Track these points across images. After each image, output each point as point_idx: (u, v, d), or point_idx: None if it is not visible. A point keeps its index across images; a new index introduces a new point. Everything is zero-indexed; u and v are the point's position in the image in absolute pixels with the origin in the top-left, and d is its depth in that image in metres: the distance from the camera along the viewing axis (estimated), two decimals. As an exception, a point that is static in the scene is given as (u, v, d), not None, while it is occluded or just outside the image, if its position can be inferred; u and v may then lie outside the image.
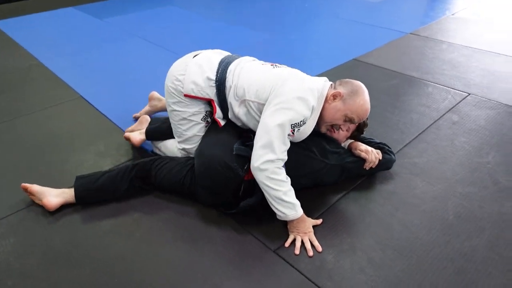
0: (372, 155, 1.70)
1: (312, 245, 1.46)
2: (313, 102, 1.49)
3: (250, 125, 1.62)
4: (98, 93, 2.59)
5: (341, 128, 1.62)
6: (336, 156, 1.68)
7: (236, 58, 1.68)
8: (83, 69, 2.99)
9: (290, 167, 1.52)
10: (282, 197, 1.43)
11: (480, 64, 3.00)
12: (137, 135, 1.97)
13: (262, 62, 1.70)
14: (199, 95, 1.62)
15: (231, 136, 1.62)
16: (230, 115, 1.66)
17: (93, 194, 1.62)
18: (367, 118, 1.75)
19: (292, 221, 1.48)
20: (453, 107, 2.40)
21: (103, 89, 2.66)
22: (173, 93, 1.66)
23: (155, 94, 2.22)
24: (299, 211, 1.47)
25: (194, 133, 1.69)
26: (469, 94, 2.55)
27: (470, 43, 3.40)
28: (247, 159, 1.51)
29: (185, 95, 1.62)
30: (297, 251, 1.43)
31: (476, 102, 2.45)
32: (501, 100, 2.48)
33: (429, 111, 2.36)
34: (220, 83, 1.60)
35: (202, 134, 1.71)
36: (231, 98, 1.60)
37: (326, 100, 1.54)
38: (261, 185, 1.45)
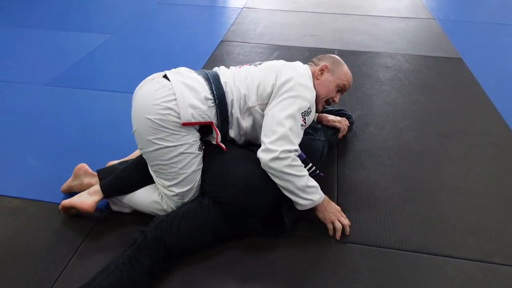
0: (343, 123, 1.81)
1: None
2: (313, 88, 1.45)
3: (253, 137, 1.47)
4: None
5: (334, 100, 1.65)
6: (322, 132, 1.72)
7: (215, 70, 1.46)
8: None
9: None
10: (307, 183, 1.34)
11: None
12: (86, 197, 1.43)
13: (236, 67, 1.52)
14: (200, 119, 1.32)
15: (243, 150, 1.43)
16: (233, 134, 1.43)
17: None
18: None
19: (318, 205, 1.38)
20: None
21: None
22: (161, 126, 1.28)
23: (85, 167, 1.56)
24: (322, 192, 1.39)
25: (193, 169, 1.36)
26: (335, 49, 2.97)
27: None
28: None
29: (184, 124, 1.29)
30: (347, 230, 1.42)
31: (347, 55, 2.89)
32: (358, 48, 3.00)
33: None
34: (220, 101, 1.35)
35: (201, 167, 1.39)
36: (236, 113, 1.38)
37: (315, 77, 1.52)
38: (281, 178, 1.31)
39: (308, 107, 1.39)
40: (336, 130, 1.80)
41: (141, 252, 1.22)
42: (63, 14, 3.61)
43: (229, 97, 1.37)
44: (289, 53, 2.90)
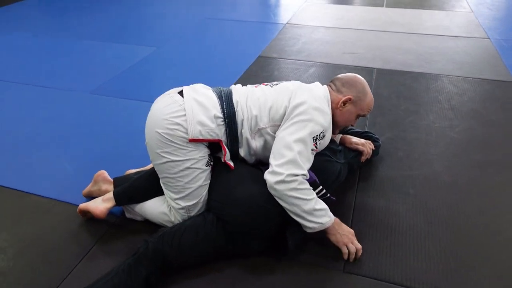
0: (367, 146, 1.74)
1: None
2: (329, 112, 1.41)
3: (264, 158, 1.44)
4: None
5: (352, 124, 1.60)
6: (341, 154, 1.66)
7: (228, 88, 1.46)
8: None
9: (320, 178, 1.43)
10: (315, 206, 1.30)
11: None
12: (100, 203, 1.51)
13: (253, 85, 1.52)
14: (208, 137, 1.34)
15: (251, 169, 1.42)
16: (243, 153, 1.43)
17: None
18: None
19: (328, 228, 1.34)
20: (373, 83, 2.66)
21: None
22: (169, 140, 1.32)
23: (105, 174, 1.65)
24: (332, 216, 1.35)
25: (199, 184, 1.38)
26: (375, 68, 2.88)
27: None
28: None
29: (191, 140, 1.32)
30: (359, 254, 1.36)
31: (385, 74, 2.79)
32: (398, 68, 2.88)
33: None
34: (230, 120, 1.36)
35: (208, 182, 1.41)
36: (246, 133, 1.38)
37: (336, 107, 1.48)
38: (286, 202, 1.29)
39: (321, 131, 1.36)
40: (359, 153, 1.74)
41: (140, 261, 1.25)
42: (117, 27, 3.89)
43: (239, 117, 1.37)
44: (324, 71, 2.86)
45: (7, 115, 2.35)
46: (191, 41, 3.50)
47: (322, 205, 1.33)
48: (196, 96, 1.37)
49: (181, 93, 1.40)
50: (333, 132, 1.55)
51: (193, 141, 1.32)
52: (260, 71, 2.87)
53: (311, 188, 1.33)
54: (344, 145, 1.75)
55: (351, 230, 1.39)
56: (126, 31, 3.78)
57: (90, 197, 1.62)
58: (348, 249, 1.35)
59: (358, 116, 1.54)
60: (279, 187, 1.28)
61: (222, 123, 1.36)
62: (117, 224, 1.55)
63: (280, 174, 1.27)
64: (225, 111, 1.36)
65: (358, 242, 1.38)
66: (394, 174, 1.80)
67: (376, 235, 1.49)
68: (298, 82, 1.50)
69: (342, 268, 1.36)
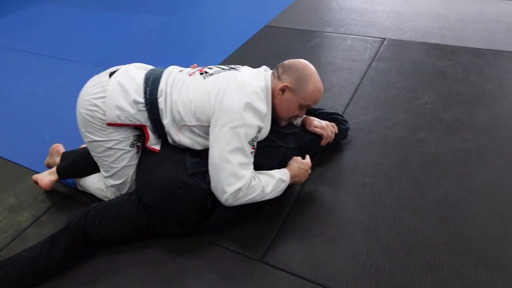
0: (328, 129, 1.60)
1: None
2: (264, 108, 1.28)
3: (199, 147, 1.37)
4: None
5: (299, 116, 1.48)
6: (294, 138, 1.55)
7: (162, 72, 1.39)
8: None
9: (258, 164, 1.36)
10: (266, 191, 1.31)
11: (385, 7, 3.07)
12: (46, 176, 1.60)
13: (189, 70, 1.44)
14: (127, 121, 1.32)
15: (176, 152, 1.38)
16: (170, 141, 1.39)
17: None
18: None
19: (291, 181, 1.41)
20: (376, 55, 2.41)
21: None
22: (90, 121, 1.33)
23: (59, 147, 1.72)
24: (286, 175, 1.37)
25: (124, 164, 1.39)
26: (385, 38, 2.59)
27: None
28: (206, 171, 1.31)
29: (109, 124, 1.31)
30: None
31: (394, 46, 2.50)
32: (414, 38, 2.56)
33: (356, 64, 2.34)
34: (152, 106, 1.32)
35: (135, 162, 1.42)
36: (168, 126, 1.34)
37: (274, 96, 1.37)
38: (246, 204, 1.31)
39: (256, 131, 1.27)
40: (318, 136, 1.61)
41: (62, 234, 1.32)
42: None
43: (161, 106, 1.32)
44: (328, 42, 2.64)
45: (8, 83, 2.55)
46: (201, 10, 3.45)
47: (271, 182, 1.32)
48: (122, 78, 1.34)
49: (114, 73, 1.39)
50: (279, 124, 1.45)
51: (111, 125, 1.32)
52: (260, 43, 2.74)
53: (253, 181, 1.28)
54: (304, 126, 1.64)
55: (300, 163, 1.44)
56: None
57: (50, 167, 1.73)
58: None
59: (301, 106, 1.41)
60: (228, 202, 1.27)
61: (144, 108, 1.33)
62: (70, 195, 1.64)
63: (225, 192, 1.24)
64: (147, 97, 1.32)
65: (289, 237, 1.35)
66: (357, 161, 1.65)
67: (311, 228, 1.39)
68: (232, 74, 1.34)
69: (260, 257, 1.31)
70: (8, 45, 3.13)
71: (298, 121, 1.66)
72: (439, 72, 2.17)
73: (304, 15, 3.07)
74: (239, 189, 1.24)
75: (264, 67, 1.45)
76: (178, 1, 3.76)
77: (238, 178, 1.24)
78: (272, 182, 1.32)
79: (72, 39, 3.15)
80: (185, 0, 3.74)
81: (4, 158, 1.89)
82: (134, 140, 1.39)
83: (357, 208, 1.44)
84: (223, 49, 2.67)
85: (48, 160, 1.72)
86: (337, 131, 1.65)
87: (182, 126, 1.33)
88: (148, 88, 1.33)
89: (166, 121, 1.33)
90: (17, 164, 1.84)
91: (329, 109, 1.77)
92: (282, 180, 1.36)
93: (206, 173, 1.31)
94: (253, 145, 1.29)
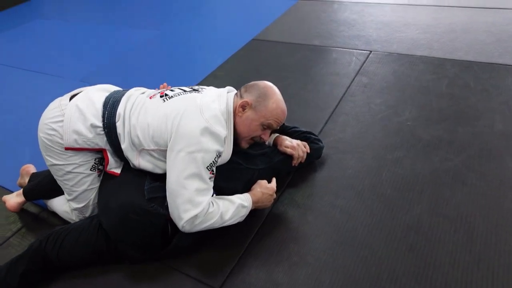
0: (299, 150, 1.56)
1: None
2: (223, 132, 1.26)
3: (159, 171, 1.34)
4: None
5: (262, 138, 1.44)
6: (263, 159, 1.52)
7: (123, 95, 1.37)
8: None
9: (222, 187, 1.33)
10: (225, 218, 1.27)
11: (374, 18, 3.02)
12: (13, 197, 1.60)
13: (151, 92, 1.41)
14: (86, 146, 1.31)
15: (136, 176, 1.35)
16: (131, 165, 1.36)
17: None
18: None
19: (253, 205, 1.36)
20: (360, 69, 2.36)
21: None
22: (49, 145, 1.32)
23: (29, 168, 1.73)
24: (247, 201, 1.33)
25: (84, 188, 1.37)
26: (371, 51, 2.54)
27: (358, -2, 3.42)
28: (165, 196, 1.28)
29: (66, 148, 1.30)
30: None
31: (380, 58, 2.45)
32: (400, 50, 2.50)
33: (340, 78, 2.29)
34: (110, 130, 1.30)
35: (96, 186, 1.40)
36: (126, 149, 1.31)
37: (235, 114, 1.34)
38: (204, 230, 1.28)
39: (214, 157, 1.24)
40: (289, 156, 1.57)
41: (21, 259, 1.30)
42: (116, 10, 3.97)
43: (119, 131, 1.30)
44: (313, 55, 2.60)
45: None
46: (189, 23, 3.45)
47: (231, 209, 1.28)
48: (81, 102, 1.33)
49: (75, 96, 1.38)
50: (239, 145, 1.41)
51: (69, 149, 1.30)
52: (245, 57, 2.72)
53: (211, 208, 1.25)
54: (276, 146, 1.60)
55: (264, 187, 1.40)
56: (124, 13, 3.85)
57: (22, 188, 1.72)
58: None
59: (263, 125, 1.37)
60: (185, 229, 1.24)
61: (102, 132, 1.31)
62: (40, 217, 1.63)
63: (181, 219, 1.21)
64: (105, 121, 1.30)
65: (253, 261, 1.32)
66: (330, 182, 1.60)
67: (274, 254, 1.34)
68: (192, 97, 1.31)
69: (219, 285, 1.27)
70: (2, 61, 3.16)
71: (270, 140, 1.63)
72: (423, 86, 2.12)
73: (293, 28, 3.05)
74: (196, 216, 1.21)
75: (228, 88, 1.43)
76: (167, 14, 3.78)
77: (194, 205, 1.20)
78: (232, 208, 1.29)
79: (61, 54, 3.18)
80: (174, 13, 3.76)
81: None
82: (95, 163, 1.37)
83: (324, 233, 1.39)
84: (210, 62, 2.66)
85: (19, 180, 1.71)
86: (308, 151, 1.61)
87: (141, 150, 1.31)
88: (107, 112, 1.31)
89: (124, 145, 1.31)
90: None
91: (302, 127, 1.72)
92: (243, 206, 1.32)
93: (164, 198, 1.28)
94: (212, 170, 1.25)
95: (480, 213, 1.38)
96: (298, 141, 1.60)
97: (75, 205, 1.41)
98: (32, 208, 1.66)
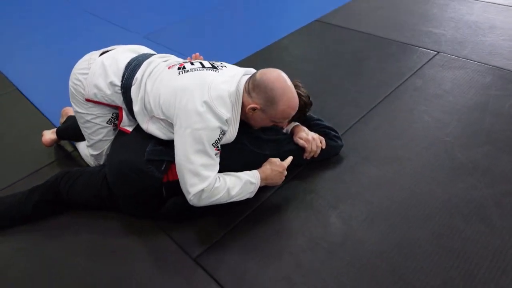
0: (313, 143, 1.51)
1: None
2: (226, 114, 1.25)
3: (164, 137, 1.38)
4: (36, 85, 2.39)
5: (278, 126, 1.42)
6: (273, 145, 1.49)
7: (146, 59, 1.42)
8: (24, 55, 2.77)
9: (221, 164, 1.34)
10: (231, 194, 1.30)
11: (456, 15, 2.70)
12: (49, 133, 1.79)
13: (172, 62, 1.42)
14: (103, 101, 1.41)
15: (142, 137, 1.42)
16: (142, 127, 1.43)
17: None
18: (309, 96, 1.59)
19: (261, 182, 1.37)
20: (418, 70, 2.15)
21: (42, 79, 2.45)
22: (74, 93, 1.44)
23: (69, 110, 1.88)
24: (255, 179, 1.35)
25: (100, 138, 1.49)
26: (438, 52, 2.29)
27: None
28: (165, 159, 1.34)
29: (87, 100, 1.41)
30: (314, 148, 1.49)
31: (445, 62, 2.20)
32: (472, 57, 2.22)
33: (390, 76, 2.12)
34: (126, 91, 1.38)
35: (111, 138, 1.51)
36: (137, 113, 1.38)
37: (245, 109, 1.32)
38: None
39: (218, 134, 1.26)
40: (302, 148, 1.54)
41: (38, 189, 1.49)
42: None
43: (133, 94, 1.37)
44: (366, 45, 2.42)
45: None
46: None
47: (238, 184, 1.31)
48: (107, 59, 1.42)
49: (106, 52, 1.47)
50: (255, 127, 1.42)
51: (89, 101, 1.41)
52: (302, 38, 2.63)
53: (218, 183, 1.28)
54: (292, 135, 1.57)
55: (274, 164, 1.39)
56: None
57: (63, 127, 1.93)
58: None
59: (274, 122, 1.37)
60: (193, 202, 1.29)
61: (119, 91, 1.39)
62: (72, 156, 1.81)
63: (189, 193, 1.26)
64: (123, 82, 1.38)
65: (232, 242, 1.33)
66: (336, 187, 1.52)
67: (255, 241, 1.34)
68: (205, 75, 1.31)
69: (195, 256, 1.32)
70: (85, 7, 3.47)
71: (288, 128, 1.60)
72: (481, 101, 1.87)
73: (362, 14, 2.85)
74: (202, 190, 1.25)
75: (244, 70, 1.40)
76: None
77: (201, 179, 1.24)
78: (239, 184, 1.31)
79: (135, 5, 3.36)
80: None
81: (39, 109, 2.15)
82: (111, 117, 1.48)
83: (311, 234, 1.35)
84: (270, 35, 2.65)
85: (60, 120, 1.91)
86: (323, 147, 1.55)
87: (152, 116, 1.36)
88: (127, 73, 1.39)
89: (136, 108, 1.38)
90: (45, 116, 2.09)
91: (330, 121, 1.65)
92: (251, 182, 1.34)
93: (162, 162, 1.35)
94: (217, 147, 1.28)
95: (485, 257, 1.23)
96: (315, 135, 1.54)
97: (91, 151, 1.55)
98: (68, 147, 1.86)
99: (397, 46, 2.40)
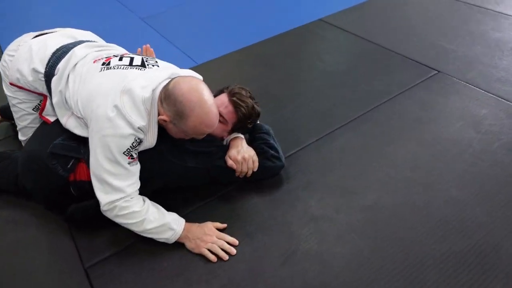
0: (244, 165, 1.34)
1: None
2: (138, 121, 1.12)
3: (80, 133, 1.27)
4: None
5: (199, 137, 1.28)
6: (202, 157, 1.35)
7: (72, 47, 1.31)
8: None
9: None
10: (146, 227, 1.18)
11: (477, 30, 2.36)
12: None
13: (103, 55, 1.30)
14: (26, 87, 1.33)
15: (60, 130, 1.31)
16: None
17: None
18: (255, 106, 1.42)
19: (179, 238, 1.22)
20: (407, 89, 1.89)
21: None
22: (2, 75, 1.39)
23: None
24: (178, 226, 1.21)
25: (25, 124, 1.43)
26: (439, 71, 2.01)
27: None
28: (73, 156, 1.25)
29: (10, 83, 1.34)
30: (214, 260, 1.19)
31: (442, 84, 1.92)
32: (476, 82, 1.91)
33: (375, 92, 1.89)
34: (48, 80, 1.29)
35: (36, 126, 1.43)
36: (56, 105, 1.28)
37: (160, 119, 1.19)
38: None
39: (132, 142, 1.13)
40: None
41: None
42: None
43: (53, 85, 1.27)
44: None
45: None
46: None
47: (154, 223, 1.18)
48: (37, 44, 1.33)
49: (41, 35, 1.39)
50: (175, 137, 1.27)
51: (12, 85, 1.34)
52: (301, 37, 2.43)
53: (139, 207, 1.17)
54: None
55: (207, 228, 1.24)
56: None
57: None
58: (210, 250, 1.20)
59: (187, 136, 1.23)
60: (107, 214, 1.19)
61: (43, 79, 1.30)
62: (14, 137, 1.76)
63: (100, 202, 1.17)
64: (47, 70, 1.29)
65: (133, 257, 1.22)
66: (262, 214, 1.35)
67: (151, 261, 1.22)
68: (126, 75, 1.19)
69: (87, 265, 1.22)
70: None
71: (228, 138, 1.44)
72: (466, 138, 1.59)
73: (372, 19, 2.59)
74: (114, 201, 1.14)
75: (170, 73, 1.23)
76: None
77: (113, 189, 1.14)
78: (158, 222, 1.19)
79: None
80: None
81: None
82: (38, 105, 1.40)
83: (208, 267, 1.20)
84: (268, 28, 2.51)
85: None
86: (255, 169, 1.37)
87: (73, 113, 1.26)
88: (51, 61, 1.29)
89: (55, 100, 1.28)
90: None
91: (285, 134, 1.51)
92: (170, 228, 1.20)
93: (69, 159, 1.25)
94: (130, 155, 1.15)
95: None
96: (249, 153, 1.37)
97: (20, 136, 1.50)
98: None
99: (395, 58, 2.14)
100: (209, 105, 1.15)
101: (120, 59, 1.27)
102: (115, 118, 1.10)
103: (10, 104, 1.43)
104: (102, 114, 1.11)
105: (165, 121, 1.16)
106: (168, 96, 1.15)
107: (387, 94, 1.86)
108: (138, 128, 1.13)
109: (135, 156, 1.16)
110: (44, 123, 1.40)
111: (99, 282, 1.18)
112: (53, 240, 1.31)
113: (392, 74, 2.02)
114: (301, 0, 2.95)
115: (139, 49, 1.60)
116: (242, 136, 1.44)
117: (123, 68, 1.22)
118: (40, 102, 1.40)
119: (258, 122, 1.54)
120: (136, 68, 1.23)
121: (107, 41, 1.51)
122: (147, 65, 1.26)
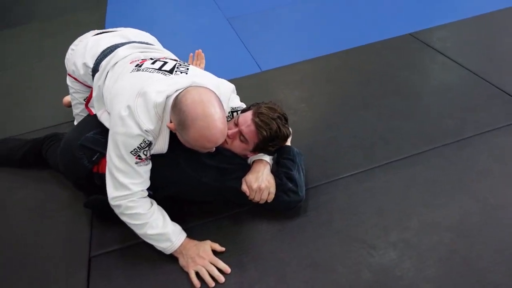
0: (258, 194, 1.28)
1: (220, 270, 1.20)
2: (146, 124, 1.14)
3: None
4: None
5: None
6: (216, 174, 1.31)
7: (119, 47, 1.39)
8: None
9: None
10: (146, 232, 1.20)
11: None
12: (68, 97, 1.91)
13: (137, 56, 1.36)
14: (79, 79, 1.48)
15: (97, 123, 1.40)
16: None
17: None
18: (282, 129, 1.32)
19: (174, 252, 1.23)
20: (488, 131, 1.55)
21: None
22: (65, 65, 1.56)
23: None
24: (177, 240, 1.22)
25: (77, 112, 1.59)
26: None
27: None
28: (99, 151, 1.34)
29: (68, 74, 1.52)
30: (197, 285, 1.17)
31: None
32: None
33: (442, 128, 1.61)
34: (94, 74, 1.40)
35: (85, 115, 1.56)
36: (94, 98, 1.38)
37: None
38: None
39: (139, 143, 1.16)
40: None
41: (32, 142, 1.68)
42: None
43: (95, 79, 1.37)
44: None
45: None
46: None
47: (157, 229, 1.21)
48: (92, 41, 1.46)
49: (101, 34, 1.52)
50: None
51: (69, 75, 1.51)
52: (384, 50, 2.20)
53: (144, 210, 1.21)
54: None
55: (208, 253, 1.22)
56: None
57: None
58: (198, 272, 1.19)
59: (195, 148, 1.20)
60: (115, 209, 1.23)
61: (91, 74, 1.42)
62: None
63: (109, 196, 1.21)
64: (94, 66, 1.39)
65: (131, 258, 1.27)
66: (276, 246, 1.26)
67: (143, 267, 1.25)
68: (149, 78, 1.21)
69: (93, 255, 1.31)
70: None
71: (252, 158, 1.38)
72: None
73: (472, 35, 2.19)
74: (118, 198, 1.19)
75: (191, 80, 1.22)
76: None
77: (121, 185, 1.19)
78: (158, 230, 1.20)
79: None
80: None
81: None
82: (87, 96, 1.54)
83: None
84: (359, 37, 2.37)
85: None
86: (269, 200, 1.30)
87: (104, 111, 1.35)
88: (99, 58, 1.40)
89: (94, 94, 1.39)
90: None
91: (295, 165, 1.36)
92: (168, 239, 1.21)
93: (95, 152, 1.33)
94: (138, 156, 1.19)
95: None
96: (268, 184, 1.29)
97: (75, 122, 1.68)
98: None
99: (489, 91, 1.77)
100: (213, 119, 1.10)
101: (154, 62, 1.30)
102: (127, 117, 1.14)
103: (70, 91, 1.61)
104: (117, 112, 1.16)
105: (172, 126, 1.17)
106: (175, 104, 1.15)
107: (460, 133, 1.56)
108: (146, 130, 1.15)
109: (143, 157, 1.18)
110: (88, 114, 1.53)
111: (96, 274, 1.25)
112: (73, 223, 1.43)
113: (477, 109, 1.68)
114: (390, 11, 2.66)
115: (191, 54, 1.63)
116: (268, 160, 1.36)
117: (150, 71, 1.26)
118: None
119: (289, 144, 1.44)
120: (162, 73, 1.25)
121: (180, 36, 1.57)
122: (175, 71, 1.27)
